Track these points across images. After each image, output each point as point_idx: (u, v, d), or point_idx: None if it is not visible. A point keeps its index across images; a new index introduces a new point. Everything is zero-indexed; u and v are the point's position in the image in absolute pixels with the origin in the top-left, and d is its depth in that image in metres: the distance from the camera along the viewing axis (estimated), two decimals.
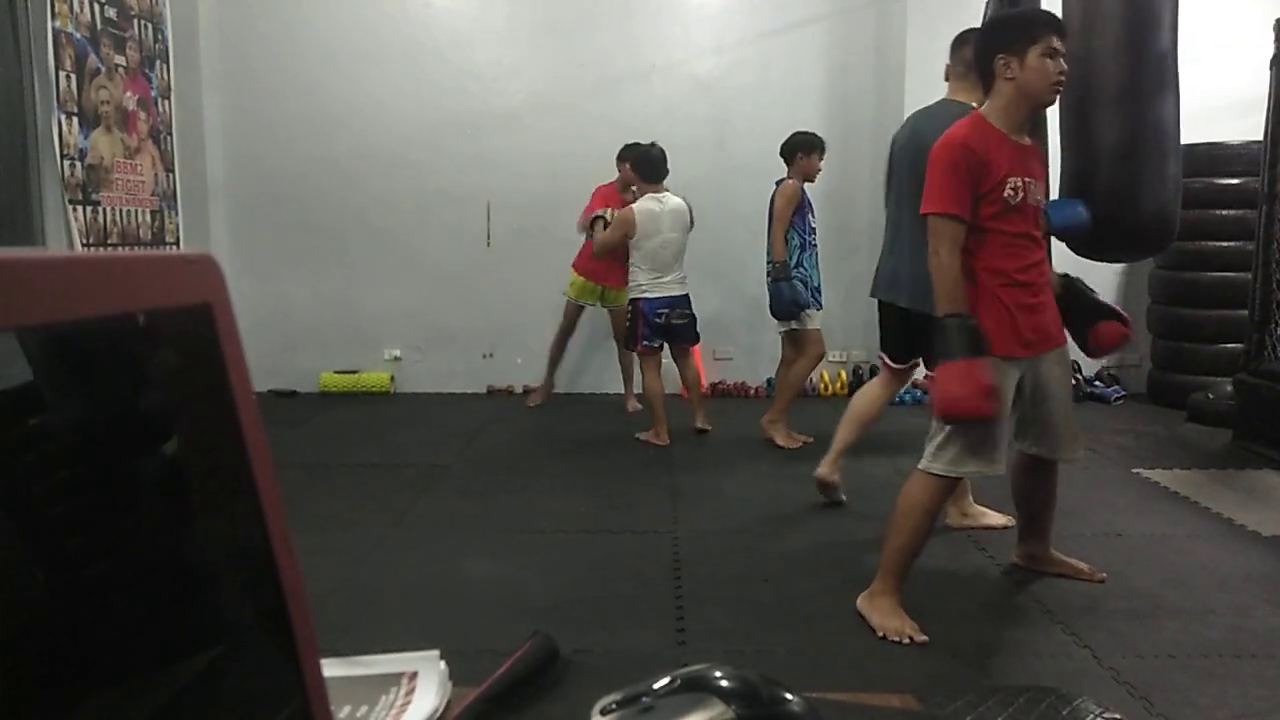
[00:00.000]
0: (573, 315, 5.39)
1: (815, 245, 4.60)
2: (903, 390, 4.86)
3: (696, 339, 4.96)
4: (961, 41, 3.22)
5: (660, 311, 4.69)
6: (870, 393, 3.61)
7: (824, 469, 3.58)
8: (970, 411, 2.26)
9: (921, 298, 3.22)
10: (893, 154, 3.42)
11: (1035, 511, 2.83)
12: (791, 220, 4.49)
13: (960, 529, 3.29)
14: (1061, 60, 2.36)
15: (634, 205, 4.77)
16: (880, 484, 3.90)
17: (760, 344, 5.98)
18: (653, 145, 4.74)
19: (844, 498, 3.62)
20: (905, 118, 3.51)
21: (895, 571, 2.50)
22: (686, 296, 4.79)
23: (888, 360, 3.58)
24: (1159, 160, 2.82)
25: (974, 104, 3.05)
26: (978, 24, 3.99)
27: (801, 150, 4.53)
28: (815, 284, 4.54)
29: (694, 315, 4.85)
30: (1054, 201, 2.91)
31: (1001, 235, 2.40)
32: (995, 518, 3.32)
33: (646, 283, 4.69)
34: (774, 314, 4.57)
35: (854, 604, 2.63)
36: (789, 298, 4.42)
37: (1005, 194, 2.35)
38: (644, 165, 4.73)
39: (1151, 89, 2.81)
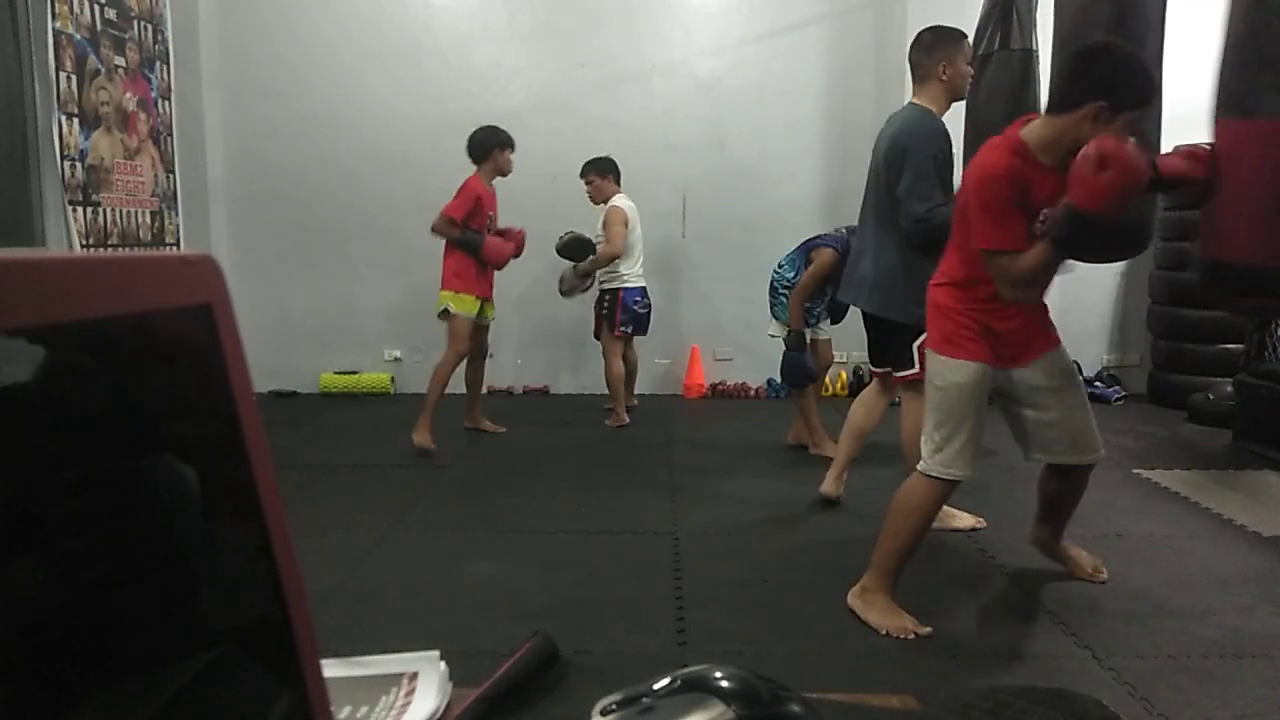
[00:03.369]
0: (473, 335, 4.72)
1: (826, 305, 4.41)
2: None
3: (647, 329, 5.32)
4: (934, 43, 3.11)
5: (636, 300, 5.12)
6: (867, 402, 3.58)
7: (828, 485, 3.58)
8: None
9: (887, 305, 3.24)
10: (874, 154, 3.33)
11: (1057, 503, 2.80)
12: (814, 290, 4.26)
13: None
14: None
15: (617, 203, 5.03)
16: (881, 485, 3.90)
17: (760, 344, 5.97)
18: (606, 157, 5.15)
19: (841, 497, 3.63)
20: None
21: (889, 571, 2.51)
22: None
23: (873, 370, 3.58)
24: None
25: (933, 108, 3.12)
26: (976, 24, 4.01)
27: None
28: (813, 309, 4.39)
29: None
30: None
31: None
32: (965, 519, 3.31)
33: (627, 273, 5.08)
34: (784, 382, 4.43)
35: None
36: (801, 370, 4.24)
37: (1035, 227, 2.30)
38: (614, 169, 5.11)
39: None
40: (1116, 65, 2.22)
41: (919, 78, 3.15)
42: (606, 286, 5.14)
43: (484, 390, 6.07)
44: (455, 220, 4.43)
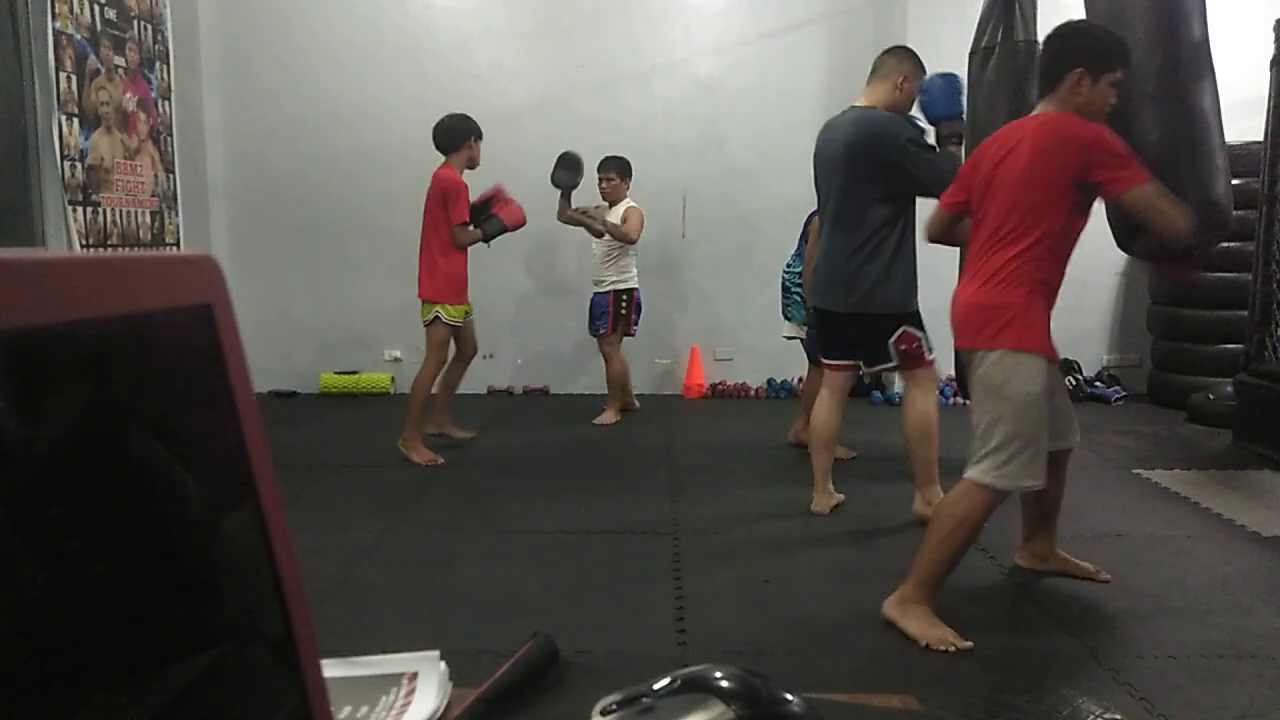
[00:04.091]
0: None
1: None
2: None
3: None
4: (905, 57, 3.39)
5: (639, 300, 5.25)
6: (823, 411, 3.53)
7: (818, 504, 3.54)
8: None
9: (856, 302, 3.29)
10: (830, 159, 3.38)
11: (1047, 508, 2.81)
12: None
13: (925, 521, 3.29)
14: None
15: (635, 204, 5.08)
16: (882, 484, 3.90)
17: (760, 344, 5.99)
18: (625, 159, 5.18)
19: (842, 496, 3.62)
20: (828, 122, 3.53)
21: (931, 583, 2.41)
22: None
23: (827, 362, 3.56)
24: (1210, 152, 2.82)
25: (877, 106, 3.32)
26: (976, 24, 4.02)
27: None
28: None
29: None
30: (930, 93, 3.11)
31: (1070, 244, 2.43)
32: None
33: (636, 274, 5.19)
34: (811, 358, 4.36)
35: (855, 604, 2.63)
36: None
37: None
38: (631, 173, 5.16)
39: (1189, 81, 2.81)
40: (1084, 34, 2.49)
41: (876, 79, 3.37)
42: (623, 286, 5.17)
43: (484, 390, 6.10)
44: (467, 223, 4.32)
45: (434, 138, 4.36)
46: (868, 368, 3.50)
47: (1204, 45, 2.82)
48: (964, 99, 3.37)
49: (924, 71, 3.37)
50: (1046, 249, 2.38)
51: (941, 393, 5.34)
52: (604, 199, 5.15)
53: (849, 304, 3.32)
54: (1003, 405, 2.37)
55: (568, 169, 5.02)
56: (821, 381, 4.37)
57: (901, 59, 3.37)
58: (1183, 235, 2.37)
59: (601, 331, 5.21)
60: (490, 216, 4.41)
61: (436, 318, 4.35)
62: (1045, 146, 2.37)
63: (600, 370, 5.61)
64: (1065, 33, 2.49)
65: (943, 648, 2.33)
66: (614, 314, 5.20)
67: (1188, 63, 2.80)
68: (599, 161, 5.16)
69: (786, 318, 4.56)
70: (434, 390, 4.47)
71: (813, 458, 3.58)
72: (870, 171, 3.24)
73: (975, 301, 2.47)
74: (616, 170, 5.11)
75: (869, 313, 3.30)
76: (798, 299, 4.41)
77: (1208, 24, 2.85)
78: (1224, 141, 2.88)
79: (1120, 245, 3.10)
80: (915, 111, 3.39)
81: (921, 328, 3.35)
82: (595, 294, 5.26)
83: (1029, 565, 2.89)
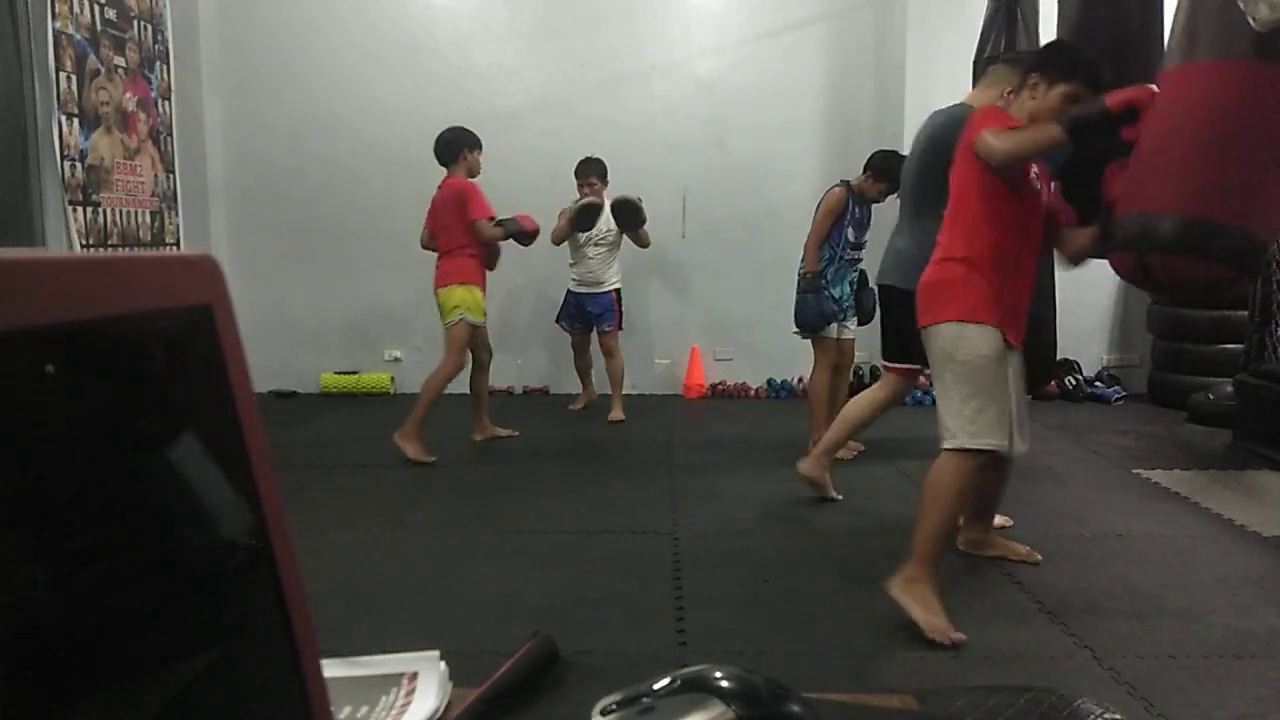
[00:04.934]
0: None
1: (849, 259, 4.30)
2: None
3: None
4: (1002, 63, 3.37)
5: None
6: (866, 396, 3.60)
7: (809, 466, 3.58)
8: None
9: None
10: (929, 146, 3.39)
11: (985, 500, 2.94)
12: (829, 231, 4.23)
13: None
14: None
15: None
16: (881, 484, 3.90)
17: (760, 344, 5.99)
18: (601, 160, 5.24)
19: (836, 495, 3.62)
20: (908, 118, 3.56)
21: (930, 556, 2.49)
22: None
23: (888, 365, 3.60)
24: None
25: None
26: (978, 24, 4.02)
27: (870, 168, 4.26)
28: (837, 297, 4.28)
29: None
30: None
31: (1014, 214, 2.47)
32: (1018, 549, 3.20)
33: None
34: (798, 324, 4.32)
35: (855, 604, 2.63)
36: (815, 310, 4.20)
37: (1030, 176, 2.47)
38: (606, 173, 5.19)
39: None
40: (1051, 48, 2.66)
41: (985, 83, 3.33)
42: (620, 284, 5.32)
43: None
44: (492, 217, 4.38)
45: (435, 152, 4.47)
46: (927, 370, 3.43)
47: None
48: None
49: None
50: (978, 222, 2.46)
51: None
52: None
53: (912, 282, 3.31)
54: (956, 369, 2.46)
55: (626, 212, 5.14)
56: (826, 380, 4.37)
57: (1014, 69, 3.20)
58: (1058, 138, 2.31)
59: (608, 329, 5.28)
60: (509, 219, 4.46)
61: (462, 319, 4.36)
62: (965, 132, 2.54)
63: (601, 371, 5.61)
64: (1049, 44, 2.69)
65: (941, 640, 2.39)
66: (619, 311, 5.31)
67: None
68: (577, 165, 5.18)
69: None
70: (447, 395, 4.51)
71: (831, 427, 3.62)
72: (936, 164, 3.21)
73: (922, 282, 2.60)
74: (597, 176, 5.14)
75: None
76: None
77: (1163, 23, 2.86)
78: None
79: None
80: None
81: None
82: (591, 294, 5.28)
83: (966, 550, 3.02)
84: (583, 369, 5.62)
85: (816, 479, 3.60)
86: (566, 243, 5.25)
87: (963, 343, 2.45)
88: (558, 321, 5.52)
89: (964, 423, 2.44)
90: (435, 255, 4.49)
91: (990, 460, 2.65)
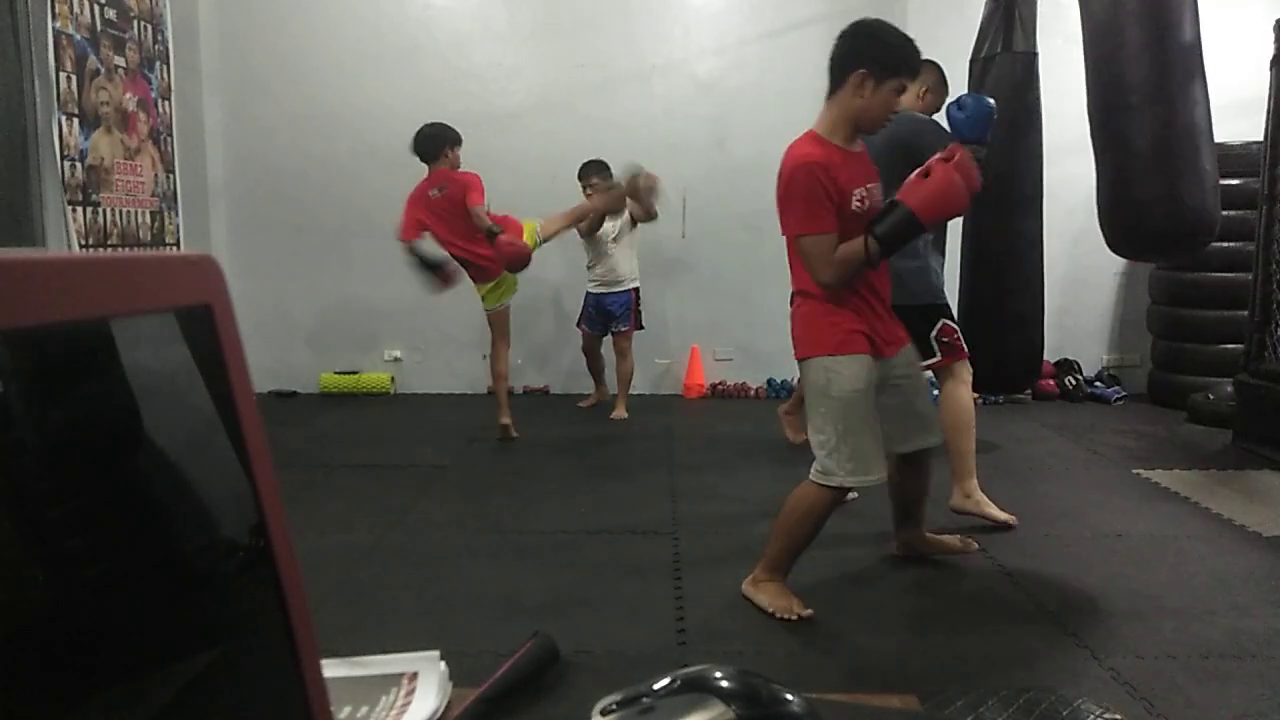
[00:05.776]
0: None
1: None
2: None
3: None
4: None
5: None
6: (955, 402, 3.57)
7: (957, 500, 3.46)
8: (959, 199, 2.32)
9: (925, 291, 3.30)
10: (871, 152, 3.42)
11: (908, 504, 2.94)
12: None
13: (963, 512, 3.30)
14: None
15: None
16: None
17: (760, 344, 5.98)
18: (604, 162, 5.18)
19: (855, 494, 3.63)
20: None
21: (780, 565, 2.60)
22: None
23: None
24: (1193, 158, 2.82)
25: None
26: (977, 25, 4.02)
27: None
28: None
29: None
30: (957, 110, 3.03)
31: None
32: (999, 512, 3.32)
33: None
34: None
35: (855, 604, 2.64)
36: None
37: (853, 207, 2.40)
38: (610, 174, 5.16)
39: (1180, 85, 2.81)
40: (871, 35, 2.43)
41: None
42: (638, 283, 5.32)
43: (485, 390, 6.11)
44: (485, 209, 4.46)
45: (416, 147, 4.59)
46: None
47: (1195, 48, 2.82)
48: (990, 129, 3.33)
49: (947, 86, 3.43)
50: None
51: None
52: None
53: (907, 297, 3.32)
54: (830, 405, 2.44)
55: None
56: None
57: (925, 71, 3.37)
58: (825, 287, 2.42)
59: (624, 329, 5.29)
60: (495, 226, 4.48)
61: (507, 305, 4.66)
62: (778, 174, 2.46)
63: (611, 369, 5.61)
64: (855, 31, 2.47)
65: (788, 615, 2.50)
66: (636, 311, 5.31)
67: (1178, 66, 2.80)
68: (580, 167, 5.17)
69: None
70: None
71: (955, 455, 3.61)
72: (906, 169, 3.24)
73: (792, 315, 2.59)
74: (599, 177, 5.11)
75: (905, 305, 3.29)
76: None
77: (1199, 28, 2.86)
78: (1213, 147, 2.89)
79: (1111, 247, 3.11)
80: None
81: (955, 320, 3.38)
82: (611, 293, 5.27)
83: (900, 553, 3.02)
84: (596, 370, 5.61)
85: (972, 509, 3.44)
86: (585, 244, 5.26)
87: (835, 378, 2.43)
88: (578, 325, 5.52)
89: (841, 460, 2.43)
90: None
91: (901, 460, 2.71)
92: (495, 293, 4.71)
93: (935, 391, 3.28)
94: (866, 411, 2.45)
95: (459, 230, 4.51)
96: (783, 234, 2.48)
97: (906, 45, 2.43)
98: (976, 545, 3.06)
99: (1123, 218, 3.21)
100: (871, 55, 2.38)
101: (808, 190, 2.35)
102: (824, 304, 2.46)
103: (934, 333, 3.31)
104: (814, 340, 2.49)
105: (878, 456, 2.47)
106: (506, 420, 4.69)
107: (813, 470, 2.50)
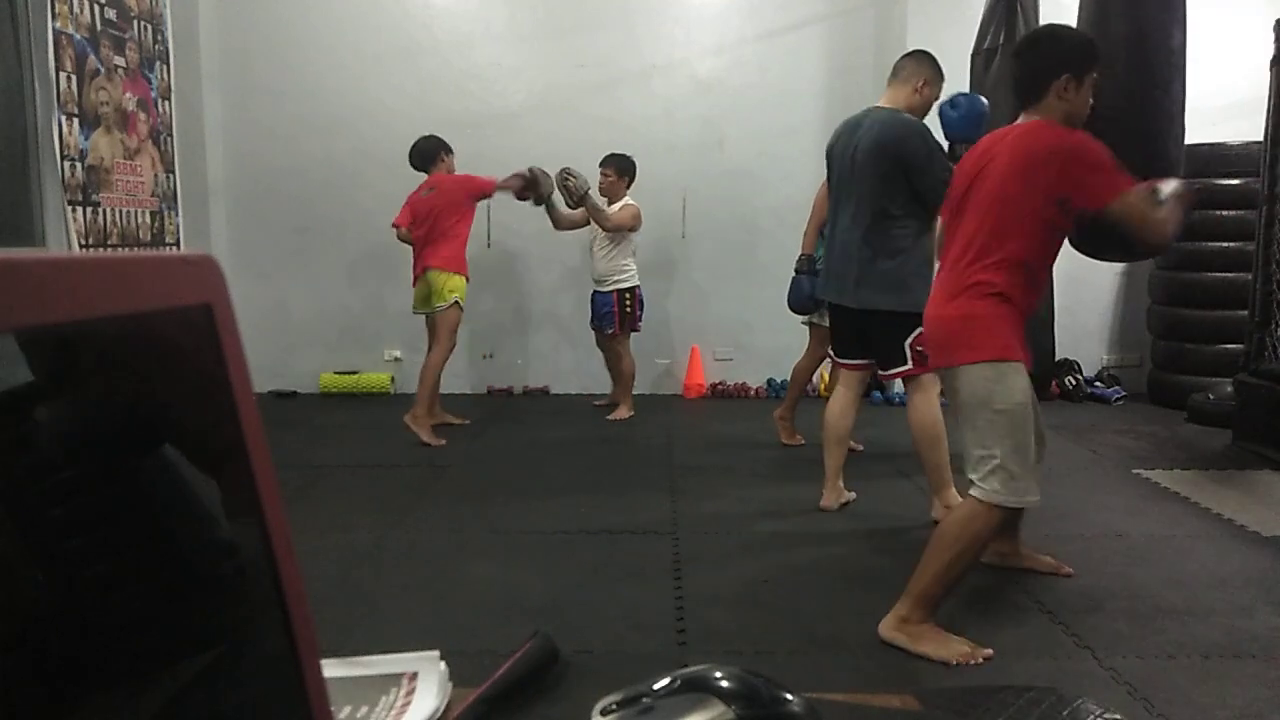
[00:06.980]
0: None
1: None
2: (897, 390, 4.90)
3: None
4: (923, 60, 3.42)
5: (640, 295, 5.30)
6: (837, 406, 3.56)
7: (828, 499, 3.54)
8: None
9: (870, 297, 3.29)
10: (852, 156, 3.38)
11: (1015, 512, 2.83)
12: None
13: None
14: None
15: (631, 202, 5.13)
16: (880, 483, 3.90)
17: (760, 344, 5.99)
18: (629, 157, 5.23)
19: (853, 495, 3.62)
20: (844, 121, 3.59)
21: (935, 602, 2.33)
22: None
23: (840, 361, 3.59)
24: (1165, 113, 2.80)
25: (899, 108, 3.36)
26: (976, 24, 4.02)
27: None
28: None
29: None
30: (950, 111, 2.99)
31: (1050, 252, 2.42)
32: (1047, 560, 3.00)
33: (635, 270, 5.24)
34: (790, 306, 4.47)
35: (855, 604, 2.63)
36: (806, 292, 4.26)
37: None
38: (632, 172, 5.17)
39: (1157, 87, 2.80)
40: (1057, 40, 2.47)
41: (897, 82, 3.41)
42: (625, 285, 5.22)
43: (484, 390, 6.11)
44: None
45: (412, 160, 4.86)
46: (883, 371, 3.48)
47: (1180, 52, 2.81)
48: (982, 128, 3.30)
49: (942, 77, 3.40)
50: (1018, 265, 2.34)
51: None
52: (601, 194, 5.15)
53: (860, 299, 3.32)
54: (994, 419, 2.30)
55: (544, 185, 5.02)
56: (809, 365, 4.56)
57: (921, 62, 3.39)
58: (1167, 241, 2.37)
59: (610, 330, 5.26)
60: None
61: (456, 301, 4.69)
62: (1021, 165, 2.32)
63: (601, 369, 5.62)
64: (1044, 38, 2.52)
65: (975, 661, 2.26)
66: (619, 313, 5.24)
67: (1159, 69, 2.78)
68: (602, 158, 5.18)
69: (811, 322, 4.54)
70: (442, 393, 4.61)
71: (825, 453, 3.59)
72: (894, 171, 3.25)
73: (945, 316, 2.44)
74: (615, 168, 5.12)
75: (883, 309, 3.29)
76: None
77: (1186, 32, 2.83)
78: (1183, 131, 2.86)
79: (1075, 246, 3.06)
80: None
81: None
82: (597, 292, 5.28)
83: (996, 563, 2.85)
84: (609, 369, 5.59)
85: (843, 502, 3.55)
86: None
87: (999, 388, 2.29)
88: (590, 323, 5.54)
89: (1005, 478, 2.27)
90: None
91: None
92: (427, 300, 4.81)
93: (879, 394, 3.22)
94: (1031, 424, 2.34)
95: (426, 233, 4.74)
96: (1087, 207, 2.29)
97: (1087, 39, 2.49)
98: (1071, 570, 2.85)
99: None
100: (1065, 61, 2.39)
101: (1104, 150, 2.27)
102: (999, 305, 2.32)
103: (909, 340, 3.25)
104: (981, 345, 2.32)
105: (1038, 471, 2.38)
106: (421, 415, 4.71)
107: (977, 490, 2.31)
